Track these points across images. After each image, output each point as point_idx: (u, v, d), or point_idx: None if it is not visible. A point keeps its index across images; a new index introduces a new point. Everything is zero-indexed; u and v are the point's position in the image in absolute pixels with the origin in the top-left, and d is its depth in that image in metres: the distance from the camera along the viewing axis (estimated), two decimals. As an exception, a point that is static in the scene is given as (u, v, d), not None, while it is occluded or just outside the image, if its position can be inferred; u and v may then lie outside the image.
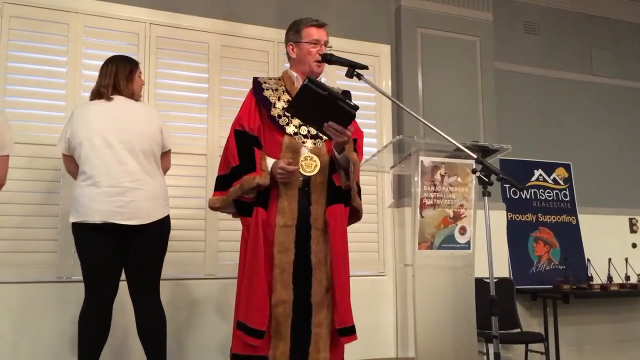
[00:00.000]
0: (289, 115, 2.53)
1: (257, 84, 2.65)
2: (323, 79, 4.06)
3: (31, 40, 3.43)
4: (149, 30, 3.69)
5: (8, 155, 2.70)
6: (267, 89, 2.62)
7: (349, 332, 2.48)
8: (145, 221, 2.73)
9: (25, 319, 3.23)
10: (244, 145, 2.52)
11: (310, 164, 2.48)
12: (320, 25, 2.66)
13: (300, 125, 2.54)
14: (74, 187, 2.81)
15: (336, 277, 2.47)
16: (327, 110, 2.30)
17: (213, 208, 2.58)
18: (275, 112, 2.56)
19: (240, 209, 2.52)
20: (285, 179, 2.44)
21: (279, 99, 2.59)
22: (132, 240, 2.75)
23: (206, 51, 3.83)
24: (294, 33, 2.67)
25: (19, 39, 3.41)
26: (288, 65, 2.75)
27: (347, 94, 2.79)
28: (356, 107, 2.29)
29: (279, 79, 2.71)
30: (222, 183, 2.53)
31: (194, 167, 3.68)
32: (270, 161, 2.49)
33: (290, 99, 2.57)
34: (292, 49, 2.67)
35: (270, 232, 2.43)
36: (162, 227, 2.84)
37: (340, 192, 2.56)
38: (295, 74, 2.66)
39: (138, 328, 2.82)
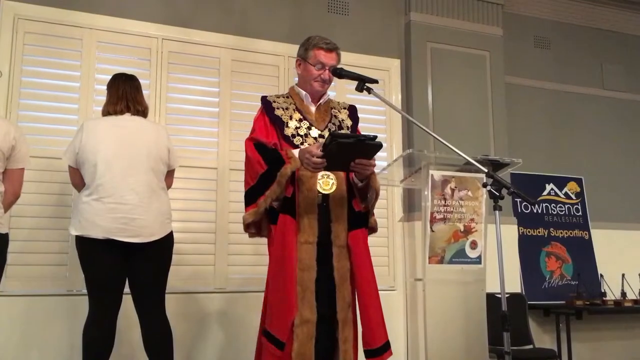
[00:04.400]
0: (302, 134, 2.53)
1: (267, 103, 2.62)
2: (333, 94, 4.08)
3: (45, 55, 3.47)
4: (160, 45, 3.73)
5: (23, 169, 2.74)
6: (277, 108, 2.60)
7: (377, 353, 2.46)
8: (149, 239, 2.75)
9: (35, 332, 3.24)
10: (268, 150, 2.49)
11: (327, 182, 2.48)
12: (330, 49, 2.61)
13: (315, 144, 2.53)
14: (77, 200, 2.83)
15: (365, 298, 2.46)
16: (354, 152, 2.36)
17: (247, 225, 2.52)
18: (288, 131, 2.55)
19: (272, 216, 2.48)
20: (310, 166, 2.37)
21: (290, 117, 2.58)
22: (136, 257, 2.76)
23: (217, 66, 3.86)
24: (303, 50, 2.65)
25: (33, 54, 3.45)
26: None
27: (352, 109, 2.79)
28: (375, 137, 2.31)
29: (287, 97, 2.68)
30: (251, 196, 2.48)
31: (204, 181, 3.70)
32: (295, 152, 2.46)
33: (302, 117, 2.59)
34: (299, 65, 2.67)
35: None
36: (165, 244, 2.85)
37: (360, 216, 2.56)
38: (303, 92, 2.65)
39: (144, 342, 2.82)
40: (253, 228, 2.57)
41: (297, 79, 2.77)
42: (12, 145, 2.65)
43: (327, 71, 2.60)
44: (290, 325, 2.34)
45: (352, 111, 2.78)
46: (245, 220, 2.49)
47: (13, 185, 2.70)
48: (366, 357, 2.45)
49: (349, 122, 2.71)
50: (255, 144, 2.51)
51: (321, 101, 2.68)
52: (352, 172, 2.51)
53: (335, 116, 2.68)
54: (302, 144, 2.52)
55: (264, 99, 2.65)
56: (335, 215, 2.48)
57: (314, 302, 2.37)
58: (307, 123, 2.59)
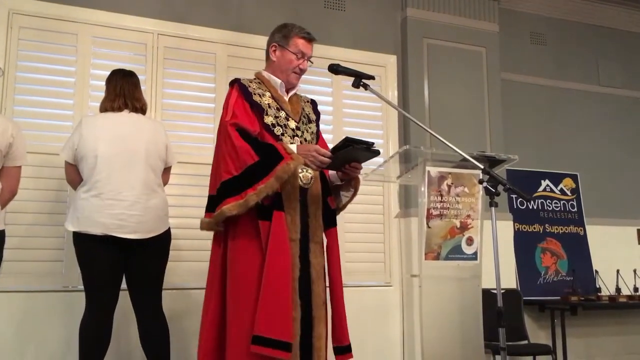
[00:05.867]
0: (282, 124, 2.49)
1: (243, 87, 2.50)
2: (329, 90, 4.08)
3: (40, 50, 3.46)
4: (156, 40, 3.71)
5: (21, 166, 2.73)
6: (254, 94, 2.49)
7: (346, 350, 2.47)
8: (147, 235, 2.75)
9: (31, 328, 3.23)
10: (254, 139, 2.37)
11: (306, 176, 2.46)
12: (310, 39, 2.60)
13: (294, 136, 2.51)
14: (75, 197, 2.83)
15: (336, 295, 2.47)
16: (355, 157, 2.42)
17: (224, 217, 2.33)
18: (268, 119, 2.47)
19: (260, 211, 2.34)
20: (314, 164, 2.36)
21: (269, 106, 2.50)
22: (134, 253, 2.76)
23: (213, 61, 3.85)
24: (281, 37, 2.59)
25: (28, 50, 3.43)
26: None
27: (314, 103, 2.79)
28: (372, 143, 2.38)
29: (259, 82, 2.58)
30: (234, 186, 2.32)
31: (200, 177, 3.66)
32: (293, 147, 2.40)
33: (278, 106, 2.53)
34: (275, 51, 2.59)
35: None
36: (163, 240, 2.86)
37: (334, 214, 2.58)
38: (278, 81, 2.57)
39: (141, 339, 2.83)
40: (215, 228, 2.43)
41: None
42: (10, 143, 2.63)
43: (306, 62, 2.58)
44: (292, 324, 2.28)
45: (315, 105, 2.78)
46: (227, 213, 2.30)
47: (10, 183, 2.69)
48: (336, 353, 2.45)
49: (313, 116, 2.70)
50: (238, 130, 2.37)
51: (292, 92, 2.64)
52: (337, 172, 2.54)
53: (303, 108, 2.66)
54: (282, 134, 2.47)
55: (238, 81, 2.53)
56: (312, 211, 2.46)
57: (298, 300, 2.35)
58: (284, 113, 2.53)
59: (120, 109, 2.86)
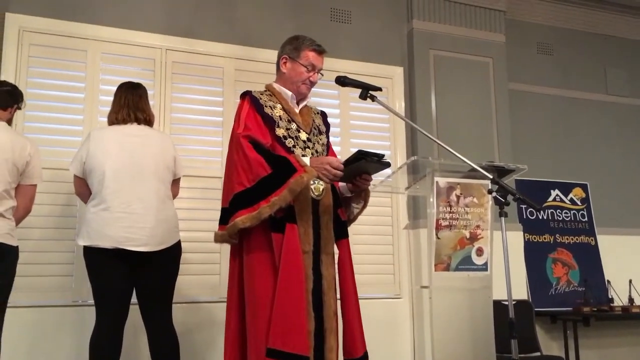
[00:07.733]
0: (294, 136, 2.50)
1: (255, 100, 2.50)
2: (336, 102, 4.09)
3: (50, 67, 3.50)
4: (164, 55, 3.75)
5: (36, 185, 2.76)
6: (265, 106, 2.50)
7: None
8: (157, 248, 2.75)
9: (41, 343, 3.23)
10: (266, 151, 2.38)
11: (318, 188, 2.45)
12: (321, 51, 2.59)
13: (305, 148, 2.51)
14: (85, 211, 2.84)
15: (350, 308, 2.45)
16: (366, 169, 2.43)
17: (237, 229, 2.32)
18: (280, 132, 2.46)
19: (272, 223, 2.34)
20: (327, 177, 2.37)
21: (280, 118, 2.50)
22: (144, 266, 2.76)
23: (221, 75, 3.87)
24: (292, 49, 2.59)
25: (38, 66, 3.47)
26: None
27: (324, 114, 2.78)
28: (383, 155, 2.39)
29: (270, 95, 2.58)
30: (247, 199, 2.31)
31: (209, 190, 3.70)
32: (306, 160, 2.41)
33: (289, 118, 2.53)
34: (285, 63, 2.60)
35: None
36: (173, 252, 2.85)
37: (345, 226, 2.57)
38: (289, 93, 2.57)
39: (151, 352, 2.82)
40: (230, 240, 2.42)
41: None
42: (27, 162, 2.66)
43: (316, 74, 2.59)
44: (307, 337, 2.26)
45: (325, 117, 2.78)
46: (240, 225, 2.29)
47: (24, 201, 2.72)
48: None
49: (323, 128, 2.70)
50: (250, 142, 2.38)
51: (303, 104, 2.64)
52: (348, 184, 2.54)
53: (314, 120, 2.66)
54: (294, 146, 2.47)
55: (250, 94, 2.54)
56: (323, 222, 2.45)
57: (312, 312, 2.33)
58: (295, 125, 2.53)
59: (125, 121, 2.87)
